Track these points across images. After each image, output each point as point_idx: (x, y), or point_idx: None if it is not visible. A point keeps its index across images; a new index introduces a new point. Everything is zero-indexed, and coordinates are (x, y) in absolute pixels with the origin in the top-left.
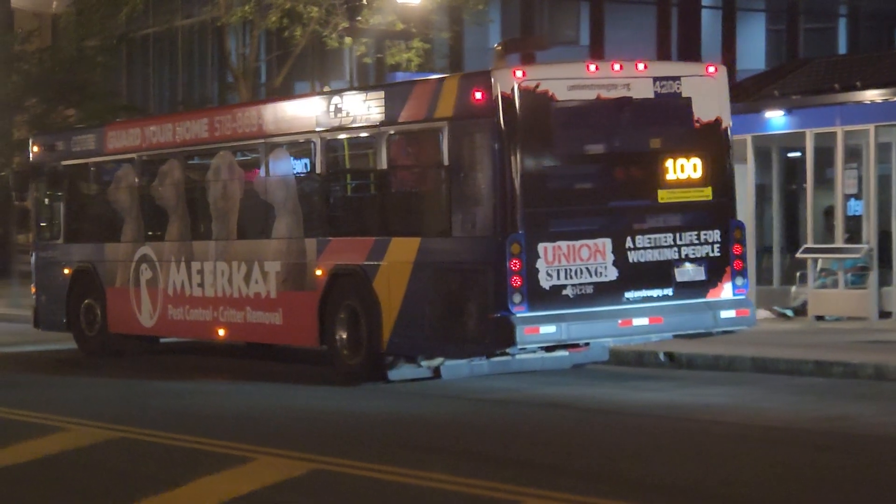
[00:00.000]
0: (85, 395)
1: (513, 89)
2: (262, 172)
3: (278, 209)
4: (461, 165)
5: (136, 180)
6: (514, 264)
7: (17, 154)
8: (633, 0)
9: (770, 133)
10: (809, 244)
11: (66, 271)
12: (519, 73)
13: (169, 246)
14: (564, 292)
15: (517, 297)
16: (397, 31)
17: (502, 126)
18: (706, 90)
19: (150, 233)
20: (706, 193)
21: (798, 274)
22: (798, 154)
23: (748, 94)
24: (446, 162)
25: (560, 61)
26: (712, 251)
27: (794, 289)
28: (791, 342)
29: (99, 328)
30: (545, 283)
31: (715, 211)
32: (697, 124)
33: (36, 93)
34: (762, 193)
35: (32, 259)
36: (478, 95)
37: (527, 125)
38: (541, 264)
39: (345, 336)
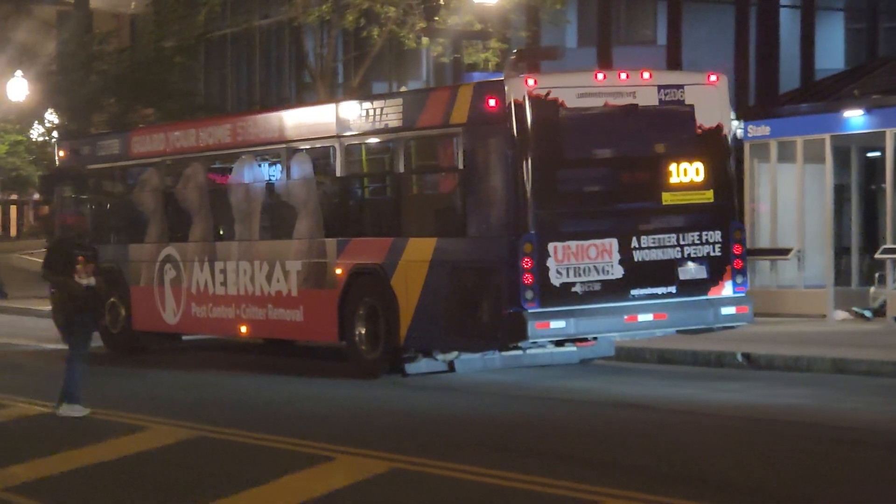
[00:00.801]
0: (152, 392)
1: (525, 97)
2: (283, 176)
3: (300, 211)
4: (475, 169)
5: (161, 184)
6: (526, 263)
7: None
8: None
9: (849, 133)
10: (889, 244)
11: None
12: (531, 82)
13: (193, 246)
14: (573, 289)
15: (529, 294)
16: (474, 31)
17: (515, 131)
18: (708, 98)
19: (173, 234)
20: (708, 196)
21: (877, 275)
22: (878, 154)
23: (827, 94)
24: (461, 166)
25: (569, 70)
26: (713, 251)
27: (872, 290)
28: (870, 343)
29: (123, 326)
30: (555, 280)
31: (716, 212)
32: (699, 130)
33: (114, 93)
34: (841, 194)
35: None
36: (491, 102)
37: (538, 131)
38: (551, 263)
39: (363, 332)
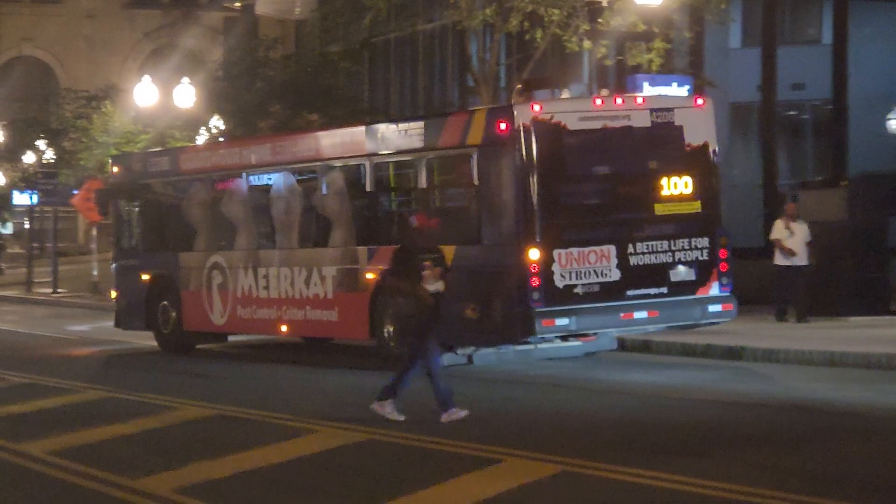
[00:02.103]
0: (292, 390)
1: (531, 121)
2: (319, 190)
3: (334, 222)
4: (488, 185)
5: (208, 197)
6: (534, 267)
7: None
8: None
9: None
10: None
11: (145, 277)
12: (536, 108)
13: (237, 254)
14: (576, 290)
15: (536, 295)
16: (638, 32)
17: (522, 152)
18: (695, 119)
19: (220, 243)
20: (696, 207)
21: None
22: None
23: None
24: (476, 182)
25: (571, 97)
26: (701, 255)
27: None
28: None
29: (174, 327)
30: (559, 282)
31: (703, 221)
32: (688, 148)
33: (280, 98)
34: None
35: (113, 267)
36: (502, 126)
37: (543, 151)
38: (556, 267)
39: (392, 329)
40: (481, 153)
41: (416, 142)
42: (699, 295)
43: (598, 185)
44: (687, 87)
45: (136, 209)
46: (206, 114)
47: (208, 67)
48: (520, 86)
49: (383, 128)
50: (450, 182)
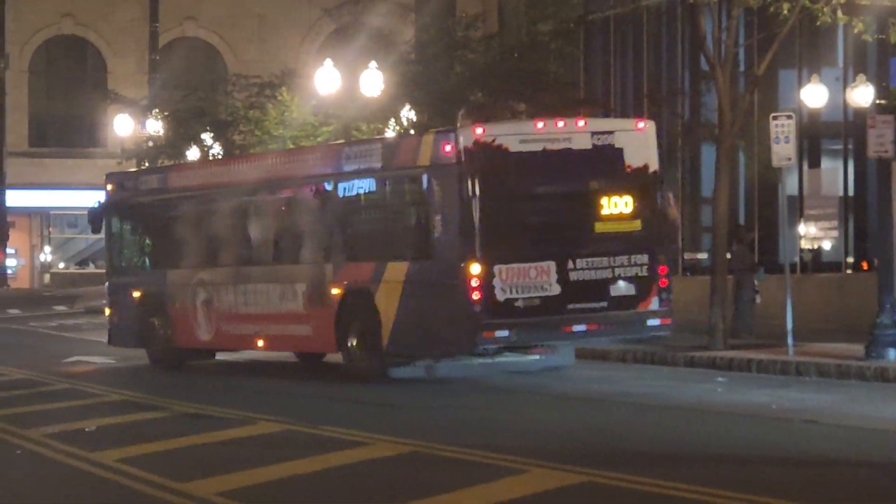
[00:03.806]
0: (491, 422)
1: (474, 143)
2: (289, 208)
3: (303, 239)
4: (436, 204)
5: (194, 215)
6: (475, 281)
7: None
8: None
9: None
10: None
11: (137, 294)
12: (479, 130)
13: (221, 271)
14: (516, 304)
15: (477, 308)
16: None
17: (465, 172)
18: (636, 141)
19: (204, 260)
20: (635, 225)
21: None
22: None
23: None
24: (426, 201)
25: (512, 120)
26: (641, 271)
27: None
28: None
29: (164, 343)
30: (500, 296)
31: (643, 239)
32: (628, 169)
33: (482, 85)
34: None
35: (106, 285)
36: (447, 148)
37: (485, 172)
38: (496, 282)
39: (355, 343)
40: (430, 174)
41: (375, 162)
42: (640, 309)
43: (538, 205)
44: None
45: (128, 227)
46: (396, 103)
47: (398, 50)
48: (462, 112)
49: (346, 148)
50: (404, 201)
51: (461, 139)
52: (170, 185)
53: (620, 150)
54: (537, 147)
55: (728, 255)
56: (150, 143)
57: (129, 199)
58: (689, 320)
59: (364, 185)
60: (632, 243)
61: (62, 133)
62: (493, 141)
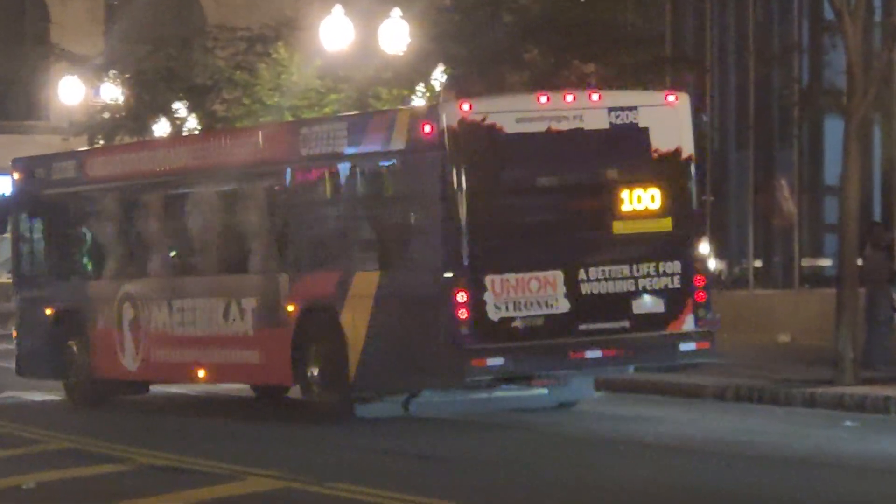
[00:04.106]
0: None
1: (459, 122)
2: (238, 203)
3: (252, 243)
4: (414, 199)
5: (115, 213)
6: (461, 297)
7: None
8: None
9: None
10: None
11: (50, 312)
12: (465, 107)
13: (151, 283)
14: (514, 324)
15: (464, 330)
16: None
17: (449, 159)
18: (665, 119)
19: (131, 269)
20: (665, 224)
21: None
22: None
23: None
24: (401, 196)
25: (511, 94)
26: (672, 283)
27: None
28: None
29: (83, 374)
30: (493, 315)
31: (675, 242)
32: (655, 154)
33: (537, 40)
34: None
35: (15, 299)
36: (426, 129)
37: (474, 158)
38: (488, 297)
39: (316, 373)
40: (405, 161)
41: (339, 145)
42: (670, 331)
43: (541, 200)
44: None
45: (40, 227)
46: (427, 62)
47: None
48: (446, 81)
49: (304, 128)
50: (374, 196)
51: (443, 118)
52: (90, 173)
53: (646, 131)
54: (540, 127)
55: (860, 263)
56: (106, 115)
57: (40, 191)
58: (809, 347)
59: (326, 175)
60: (660, 247)
61: None
62: (484, 120)
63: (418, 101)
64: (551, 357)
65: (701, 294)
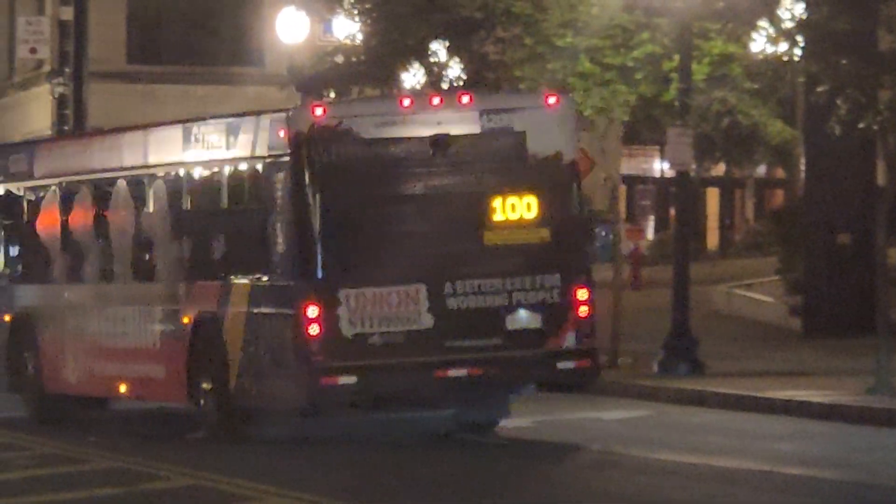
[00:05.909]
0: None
1: (311, 127)
2: (143, 206)
3: (156, 248)
4: (273, 207)
5: (56, 212)
6: (312, 311)
7: None
8: None
9: None
10: None
11: (7, 319)
12: (318, 111)
13: (84, 289)
14: (370, 341)
15: (314, 346)
16: None
17: (299, 165)
18: (545, 122)
19: (70, 273)
20: (542, 234)
21: None
22: None
23: None
24: (263, 204)
25: (370, 97)
26: (551, 297)
27: None
28: None
29: (34, 387)
30: (347, 331)
31: (554, 252)
32: (533, 160)
33: None
34: None
35: None
36: (280, 134)
37: (327, 165)
38: (342, 311)
39: (208, 389)
40: (266, 167)
41: (217, 148)
42: (548, 348)
43: (404, 209)
44: None
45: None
46: None
47: None
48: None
49: (194, 127)
50: (244, 202)
51: (294, 122)
52: (37, 166)
53: (522, 135)
54: (402, 131)
55: None
56: (340, 59)
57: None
58: None
59: (207, 179)
60: (538, 259)
61: (182, 45)
62: (339, 125)
63: (758, 45)
64: (411, 376)
65: (583, 308)
